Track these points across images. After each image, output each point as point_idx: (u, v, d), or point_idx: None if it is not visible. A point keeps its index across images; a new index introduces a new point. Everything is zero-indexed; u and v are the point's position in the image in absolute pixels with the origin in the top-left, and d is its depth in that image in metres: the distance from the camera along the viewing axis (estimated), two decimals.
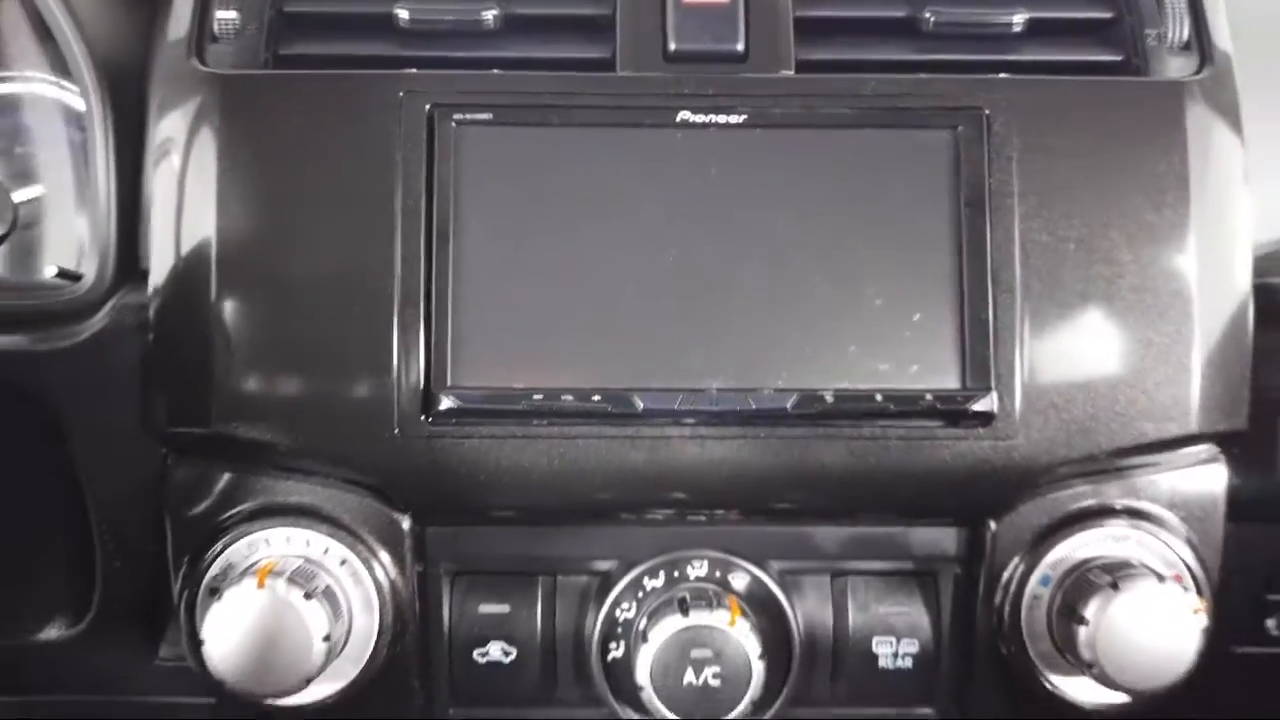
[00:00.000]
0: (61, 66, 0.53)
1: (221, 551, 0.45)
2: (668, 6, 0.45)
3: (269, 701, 0.46)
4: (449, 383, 0.42)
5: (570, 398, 0.42)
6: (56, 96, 0.55)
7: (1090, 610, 0.44)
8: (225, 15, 0.45)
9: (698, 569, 0.49)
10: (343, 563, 0.45)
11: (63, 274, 0.49)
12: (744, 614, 0.47)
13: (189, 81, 0.44)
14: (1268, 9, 0.51)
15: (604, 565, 0.50)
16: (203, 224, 0.43)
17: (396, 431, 0.43)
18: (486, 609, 0.49)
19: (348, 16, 0.45)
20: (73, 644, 0.54)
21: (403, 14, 0.45)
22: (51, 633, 0.54)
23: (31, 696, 0.56)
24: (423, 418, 0.43)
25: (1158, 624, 0.44)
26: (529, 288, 0.43)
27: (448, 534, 0.47)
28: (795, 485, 0.45)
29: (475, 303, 0.43)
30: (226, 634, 0.42)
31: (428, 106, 0.43)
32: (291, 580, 0.43)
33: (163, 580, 0.51)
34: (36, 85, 0.56)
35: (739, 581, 0.49)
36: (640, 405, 0.42)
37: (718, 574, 0.49)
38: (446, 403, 0.42)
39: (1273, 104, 0.48)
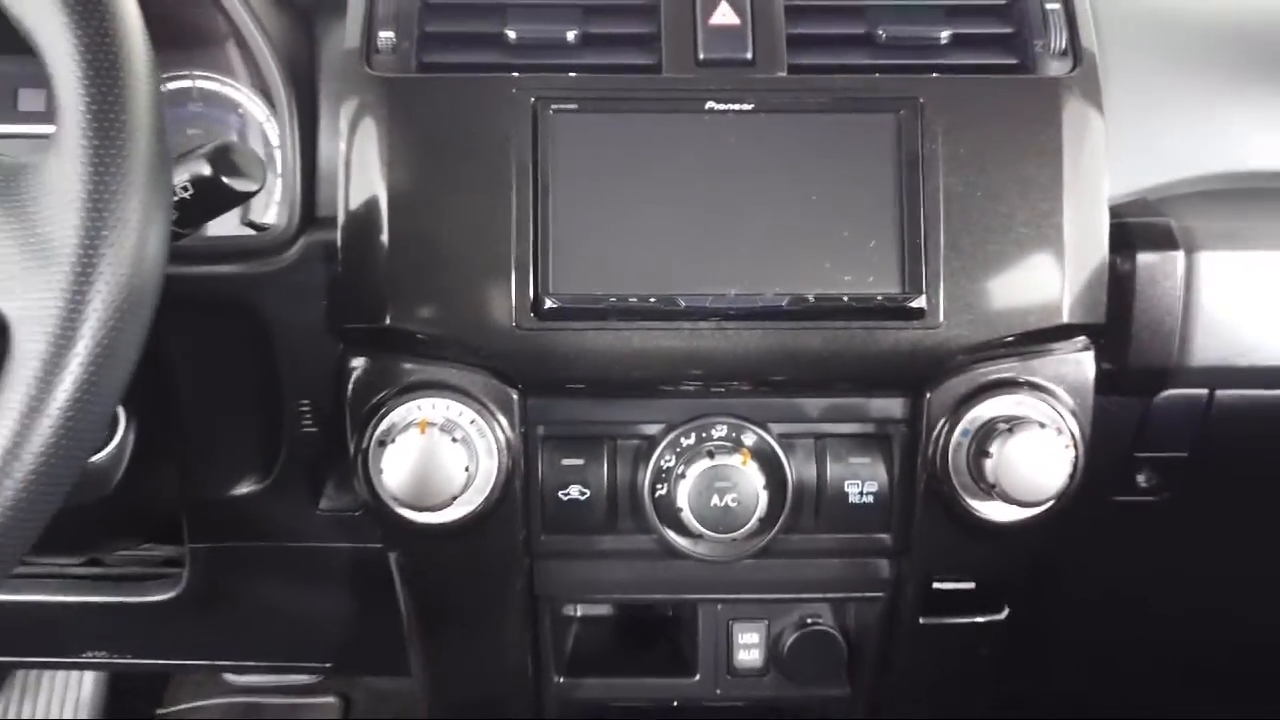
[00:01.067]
0: (228, 68, 0.71)
1: (387, 414, 0.63)
2: (698, 28, 0.62)
3: (423, 518, 0.64)
4: (550, 290, 0.60)
5: (634, 300, 0.59)
6: (220, 90, 0.73)
7: (993, 448, 0.62)
8: (385, 34, 0.62)
9: (719, 429, 0.66)
10: (472, 422, 0.62)
11: (250, 224, 0.68)
12: (752, 458, 0.65)
13: (361, 82, 0.60)
14: (1128, 20, 0.70)
15: (650, 430, 0.67)
16: (375, 183, 0.60)
17: (514, 325, 0.60)
18: (567, 461, 0.66)
19: (473, 35, 0.62)
20: (256, 499, 0.72)
21: (511, 34, 0.62)
22: (242, 489, 0.72)
23: (224, 543, 0.74)
24: (532, 315, 0.60)
25: (1039, 455, 0.61)
26: (605, 223, 0.59)
27: (544, 404, 0.63)
28: (787, 364, 0.61)
29: (568, 234, 0.59)
30: (399, 466, 0.60)
31: (532, 99, 0.59)
32: (442, 429, 0.61)
33: (329, 446, 0.69)
34: (205, 83, 0.73)
35: (748, 438, 0.66)
36: (682, 304, 0.60)
37: (733, 433, 0.66)
38: (549, 304, 0.59)
39: (1123, 93, 0.65)
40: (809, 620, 0.73)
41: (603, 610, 0.79)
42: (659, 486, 0.65)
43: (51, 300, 0.40)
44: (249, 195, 0.54)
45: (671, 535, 0.65)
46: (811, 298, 0.59)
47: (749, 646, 0.75)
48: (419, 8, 0.62)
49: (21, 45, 0.46)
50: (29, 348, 0.40)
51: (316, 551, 0.74)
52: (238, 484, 0.70)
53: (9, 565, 0.42)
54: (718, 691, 0.75)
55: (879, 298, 0.59)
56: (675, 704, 0.76)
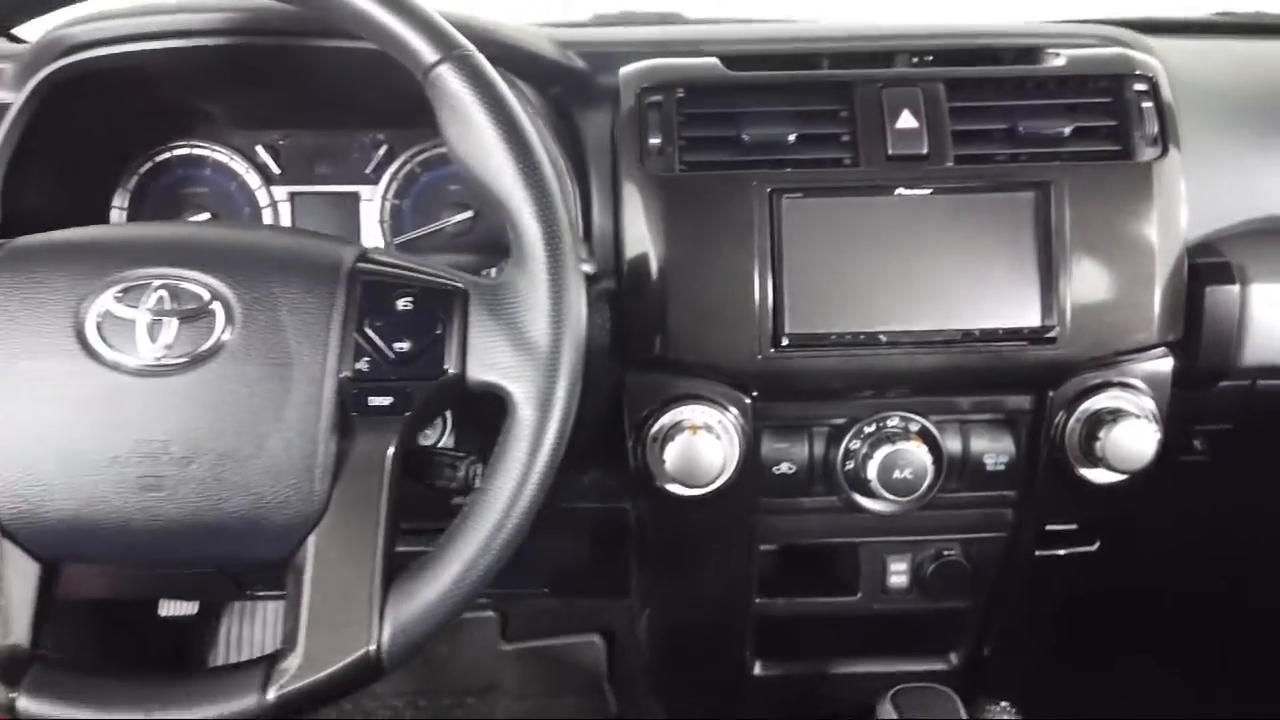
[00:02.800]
0: None
1: (659, 418, 0.86)
2: (887, 131, 0.83)
3: (686, 492, 0.87)
4: (785, 329, 0.82)
5: (846, 335, 0.82)
6: None
7: (1101, 433, 0.84)
8: (654, 140, 0.83)
9: (893, 420, 0.88)
10: (719, 421, 0.85)
11: None
12: (920, 442, 0.88)
13: (639, 179, 0.82)
14: (1195, 103, 0.90)
15: (838, 421, 0.89)
16: (650, 252, 0.81)
17: (758, 355, 0.82)
18: (780, 445, 0.88)
19: (718, 139, 0.84)
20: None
21: (746, 138, 0.84)
22: None
23: None
24: (771, 349, 0.83)
25: (1134, 437, 0.84)
26: (823, 278, 0.81)
27: (771, 407, 0.86)
28: (954, 377, 0.83)
29: (797, 287, 0.81)
30: (678, 458, 0.83)
31: (768, 189, 0.81)
32: (706, 430, 0.84)
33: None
34: None
35: (914, 426, 0.89)
36: (882, 338, 0.82)
37: (904, 423, 0.88)
38: (785, 340, 0.82)
39: (1195, 159, 0.85)
40: (944, 553, 0.97)
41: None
42: (847, 462, 0.88)
43: (537, 382, 0.62)
44: (591, 276, 0.77)
45: (857, 498, 0.89)
46: (975, 330, 0.82)
47: (898, 573, 0.99)
48: (678, 121, 0.83)
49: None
50: (524, 414, 0.62)
51: (572, 512, 0.98)
52: None
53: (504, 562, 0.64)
54: (874, 606, 1.00)
55: (1023, 329, 0.82)
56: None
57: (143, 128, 0.96)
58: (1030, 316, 0.82)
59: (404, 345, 0.62)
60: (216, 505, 0.61)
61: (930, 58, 0.94)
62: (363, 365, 0.62)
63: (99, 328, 0.60)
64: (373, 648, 0.60)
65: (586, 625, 1.50)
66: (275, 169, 0.98)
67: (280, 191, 0.99)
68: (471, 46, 0.64)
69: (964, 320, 0.82)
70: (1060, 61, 0.86)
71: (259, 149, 0.98)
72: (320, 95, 0.93)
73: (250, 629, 1.55)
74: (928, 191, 0.81)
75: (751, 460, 0.87)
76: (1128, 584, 1.12)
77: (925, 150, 0.81)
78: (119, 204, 0.97)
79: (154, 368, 0.60)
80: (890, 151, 0.82)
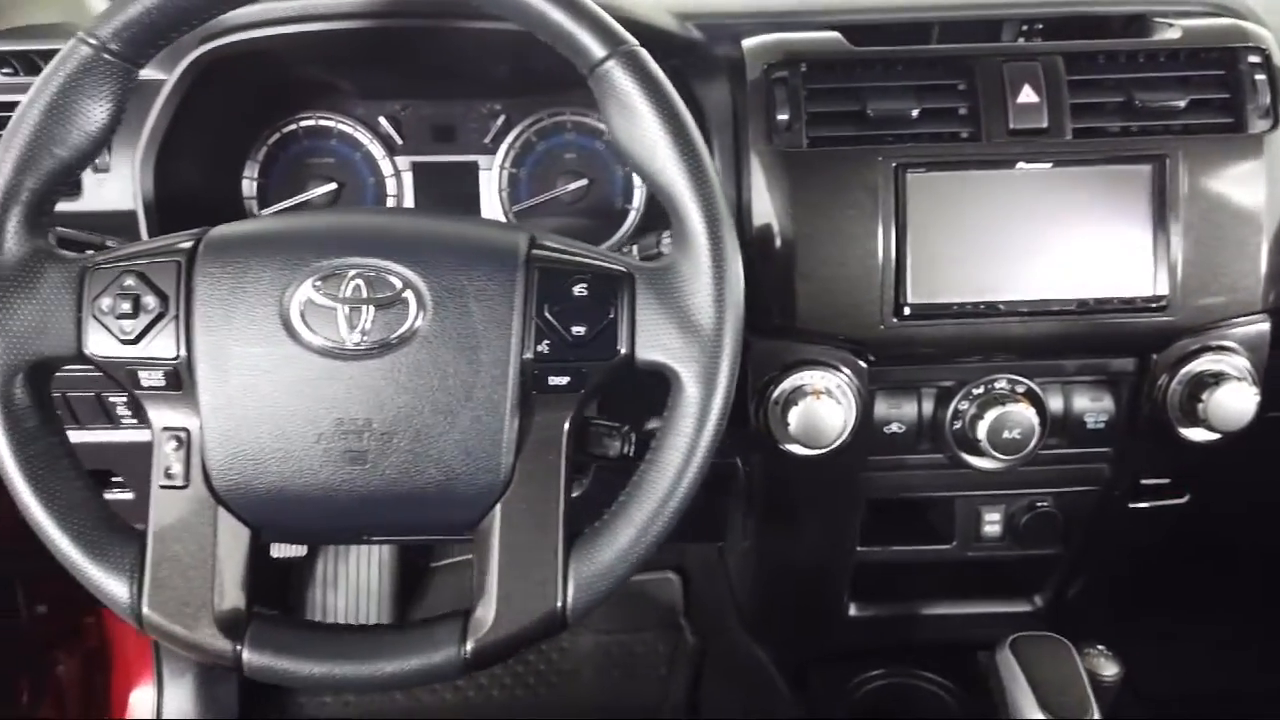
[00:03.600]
0: None
1: (780, 382, 0.90)
2: (1008, 105, 0.86)
3: (805, 452, 0.92)
4: (907, 299, 0.86)
5: (966, 304, 0.85)
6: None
7: (1204, 395, 0.89)
8: (781, 116, 0.86)
9: (1000, 383, 0.93)
10: (837, 386, 0.90)
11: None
12: (1028, 403, 0.93)
13: (770, 154, 0.85)
14: None
15: (946, 383, 0.94)
16: (778, 225, 0.85)
17: (880, 324, 0.87)
18: (890, 406, 0.94)
19: (843, 114, 0.87)
20: None
21: (870, 113, 0.86)
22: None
23: None
24: (894, 318, 0.87)
25: (1236, 399, 0.88)
26: (945, 250, 0.85)
27: (885, 370, 0.90)
28: (1067, 344, 0.86)
29: (919, 259, 0.85)
30: (803, 421, 0.87)
31: (893, 164, 0.84)
32: (825, 394, 0.89)
33: None
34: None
35: (1021, 388, 0.93)
36: (1001, 307, 0.86)
37: (1010, 385, 0.93)
38: (907, 310, 0.87)
39: None
40: (1037, 504, 1.03)
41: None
42: (955, 422, 0.93)
43: (702, 361, 0.67)
44: None
45: (964, 455, 0.94)
46: (1089, 299, 0.86)
47: (992, 523, 1.05)
48: (804, 95, 0.86)
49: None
50: (691, 392, 0.67)
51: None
52: None
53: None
54: (968, 554, 1.06)
55: (1136, 299, 0.86)
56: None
57: (274, 102, 0.99)
58: (1142, 286, 0.86)
59: (581, 329, 0.67)
60: (413, 477, 0.66)
61: (1039, 26, 0.96)
62: (543, 347, 0.66)
63: (303, 315, 0.65)
64: (559, 604, 0.66)
65: (662, 564, 1.58)
66: (397, 139, 1.02)
67: (402, 161, 1.02)
68: (636, 42, 0.67)
69: (1079, 290, 0.86)
70: (1174, 34, 0.88)
71: (382, 120, 1.01)
72: (444, 69, 0.96)
73: (345, 567, 1.63)
74: (1048, 166, 0.84)
75: (865, 421, 0.92)
76: (1211, 535, 1.17)
77: (1045, 124, 0.84)
78: (249, 174, 1.01)
79: (354, 352, 0.65)
80: (1011, 125, 0.85)
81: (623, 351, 0.67)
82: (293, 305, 0.65)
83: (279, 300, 0.65)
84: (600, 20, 0.67)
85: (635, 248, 0.82)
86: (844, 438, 0.88)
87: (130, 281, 0.65)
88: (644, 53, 0.67)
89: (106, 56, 0.65)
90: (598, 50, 0.66)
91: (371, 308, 0.65)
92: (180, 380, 0.66)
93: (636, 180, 1.03)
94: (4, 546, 1.28)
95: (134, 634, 1.48)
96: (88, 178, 0.89)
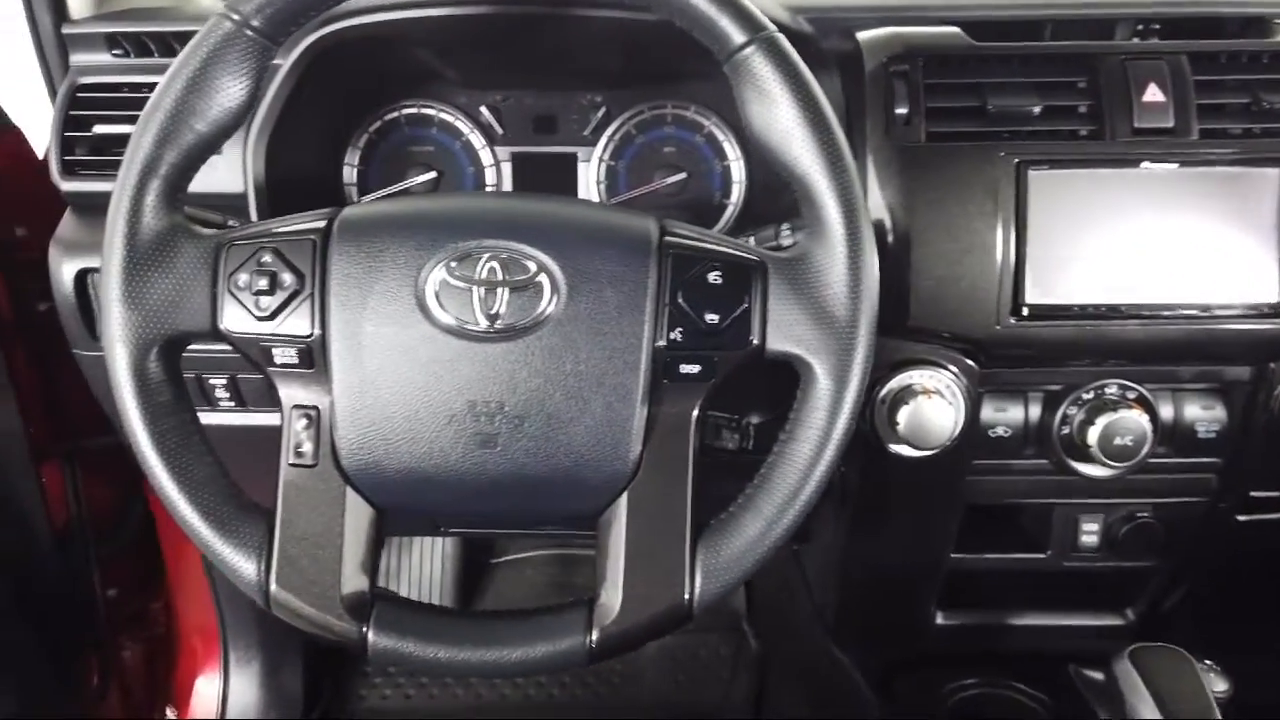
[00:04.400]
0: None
1: (889, 380, 0.89)
2: (1133, 104, 0.84)
3: (912, 453, 0.91)
4: (1026, 300, 0.85)
5: (1088, 306, 0.84)
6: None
7: None
8: (900, 110, 0.85)
9: (1111, 389, 0.92)
10: (947, 386, 0.89)
11: None
12: (1140, 409, 0.91)
13: (887, 149, 0.84)
14: None
15: (1053, 387, 0.93)
16: (898, 220, 0.85)
17: (997, 324, 0.85)
18: (998, 409, 0.93)
19: (963, 110, 0.85)
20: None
21: (991, 109, 0.85)
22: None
23: None
24: (1011, 318, 0.85)
25: None
26: (1066, 250, 0.83)
27: (992, 372, 0.88)
28: (1188, 349, 0.84)
29: (1039, 258, 0.83)
30: (913, 421, 0.86)
31: (1015, 161, 0.83)
32: (934, 393, 0.87)
33: None
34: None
35: (1132, 394, 0.92)
36: (1122, 309, 0.85)
37: (1122, 391, 0.92)
38: (1026, 310, 0.85)
39: None
40: (1137, 515, 1.01)
41: None
42: (1064, 427, 0.91)
43: (837, 354, 0.65)
44: None
45: (1071, 462, 0.92)
46: (1212, 304, 0.84)
47: (1090, 533, 1.03)
48: (923, 90, 0.85)
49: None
50: (823, 385, 0.66)
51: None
52: None
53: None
54: (1063, 564, 1.04)
55: (1261, 305, 0.84)
56: None
57: (379, 90, 0.99)
58: (1267, 292, 0.84)
59: (714, 317, 0.66)
60: (543, 462, 0.65)
61: (1155, 26, 0.94)
62: (676, 335, 0.66)
63: (437, 296, 0.65)
64: (686, 596, 0.65)
65: None
66: (498, 129, 1.01)
67: (502, 151, 1.02)
68: (775, 28, 0.66)
69: (1201, 294, 0.84)
70: None
71: (483, 109, 1.01)
72: (552, 59, 0.96)
73: (409, 560, 1.63)
74: (1174, 166, 0.82)
75: (972, 423, 0.90)
76: None
77: (1172, 124, 0.82)
78: (350, 161, 1.01)
79: (489, 334, 0.64)
80: (1136, 124, 0.83)
81: (755, 341, 0.66)
82: (428, 286, 0.65)
83: (414, 281, 0.65)
84: (741, 6, 0.66)
85: (752, 239, 0.81)
86: (952, 439, 0.87)
87: (267, 258, 0.65)
88: (784, 39, 0.66)
89: (248, 33, 0.65)
90: (737, 36, 0.65)
91: (506, 290, 0.65)
92: (313, 358, 0.65)
93: (735, 174, 1.02)
94: (87, 530, 1.30)
95: (200, 622, 1.50)
96: None
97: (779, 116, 0.65)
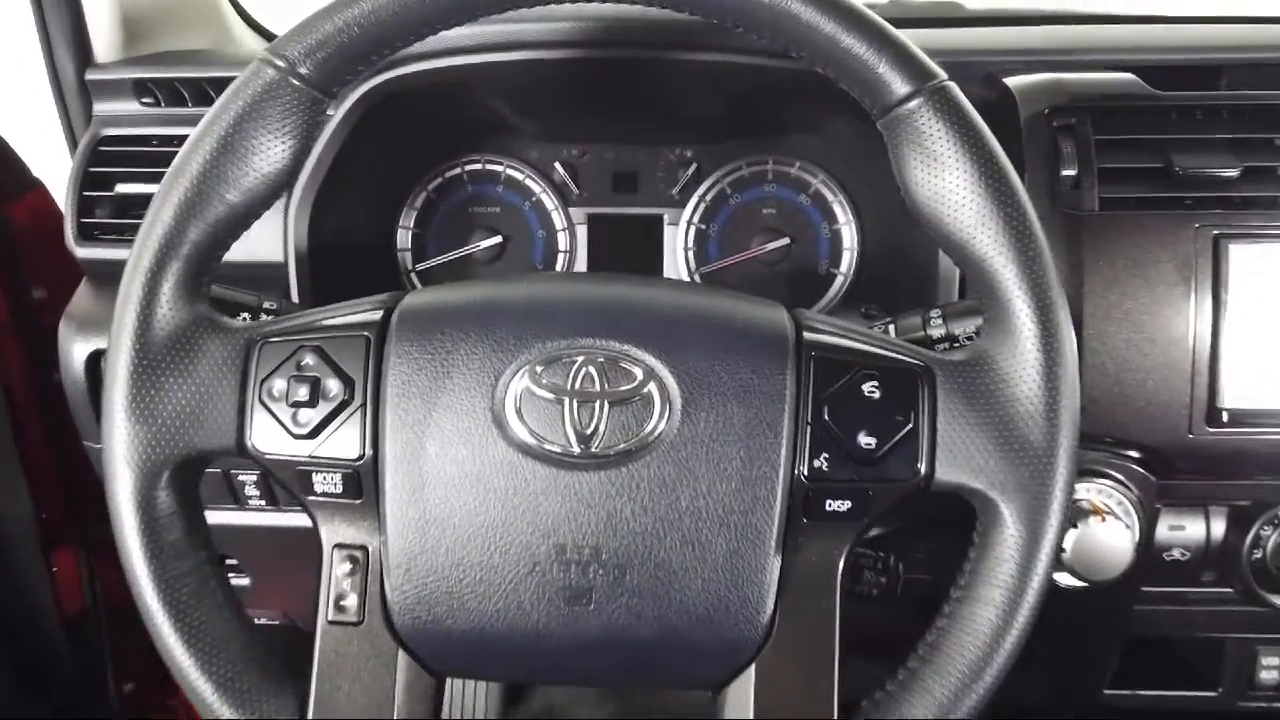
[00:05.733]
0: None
1: None
2: None
3: (1074, 582, 0.75)
4: (1223, 403, 0.69)
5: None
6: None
7: None
8: (1068, 172, 0.71)
9: None
10: (1120, 504, 0.74)
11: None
12: None
13: (1051, 217, 0.69)
14: None
15: (1243, 502, 0.76)
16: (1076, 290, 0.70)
17: (1187, 432, 0.69)
18: (1174, 529, 0.77)
19: (1143, 171, 0.69)
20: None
21: (1178, 170, 0.70)
22: None
23: None
24: (1205, 425, 0.70)
25: None
26: (1269, 341, 0.67)
27: (1169, 485, 0.72)
28: None
29: (1240, 352, 0.67)
30: (1081, 547, 0.71)
31: (1214, 233, 0.67)
32: (1106, 513, 0.72)
33: None
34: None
35: None
36: None
37: None
38: (1224, 415, 0.69)
39: None
40: None
41: None
42: (1255, 551, 0.75)
43: (1031, 490, 0.51)
44: None
45: (1264, 592, 0.76)
46: None
47: (1270, 667, 0.86)
48: (1094, 147, 0.70)
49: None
50: (1012, 531, 0.50)
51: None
52: None
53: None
54: (1238, 704, 0.87)
55: None
56: None
57: (440, 143, 0.87)
58: None
59: (869, 440, 0.51)
60: (649, 623, 0.51)
61: None
62: (821, 462, 0.51)
63: (519, 411, 0.51)
64: None
65: None
66: (573, 188, 0.89)
67: (577, 213, 0.89)
68: (945, 76, 0.53)
69: None
70: None
71: (557, 165, 0.88)
72: (641, 108, 0.83)
73: None
74: None
75: (1145, 545, 0.74)
76: None
77: None
78: (405, 224, 0.89)
79: (583, 460, 0.51)
80: None
81: (922, 470, 0.52)
82: (508, 398, 0.51)
83: (490, 391, 0.51)
84: (906, 50, 0.52)
85: (891, 328, 0.66)
86: (1125, 567, 0.71)
87: (309, 360, 0.52)
88: (956, 90, 0.53)
89: (295, 82, 0.52)
90: (899, 86, 0.52)
91: (606, 403, 0.51)
92: (362, 487, 0.52)
93: (846, 240, 0.89)
94: (102, 620, 1.18)
95: None
96: None
97: (951, 184, 0.52)
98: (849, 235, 0.88)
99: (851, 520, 0.52)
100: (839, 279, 0.89)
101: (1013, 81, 0.75)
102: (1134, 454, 0.71)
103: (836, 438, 0.51)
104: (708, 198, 0.88)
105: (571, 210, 0.89)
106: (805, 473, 0.51)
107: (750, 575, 0.51)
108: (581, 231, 0.89)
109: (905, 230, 0.81)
